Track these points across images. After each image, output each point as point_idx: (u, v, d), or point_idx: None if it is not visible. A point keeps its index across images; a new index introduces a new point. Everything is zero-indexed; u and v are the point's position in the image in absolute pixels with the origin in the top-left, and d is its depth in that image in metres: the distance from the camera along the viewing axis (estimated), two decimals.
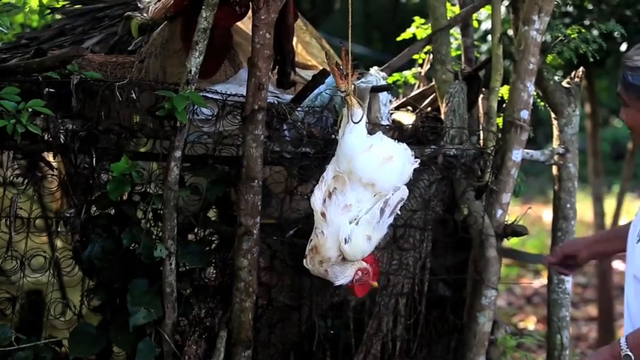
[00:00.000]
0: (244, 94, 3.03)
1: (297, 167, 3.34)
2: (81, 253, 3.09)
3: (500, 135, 3.72)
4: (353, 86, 2.87)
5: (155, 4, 3.61)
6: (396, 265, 3.62)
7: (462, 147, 3.69)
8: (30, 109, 2.79)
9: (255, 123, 2.99)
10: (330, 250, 2.78)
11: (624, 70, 2.34)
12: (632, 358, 2.32)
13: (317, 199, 2.79)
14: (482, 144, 3.81)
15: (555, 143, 4.04)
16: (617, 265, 7.95)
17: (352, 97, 2.83)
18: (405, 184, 2.87)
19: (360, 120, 2.82)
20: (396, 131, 3.73)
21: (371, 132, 3.52)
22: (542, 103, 4.17)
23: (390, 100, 3.89)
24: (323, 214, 2.77)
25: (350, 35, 2.92)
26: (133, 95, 3.00)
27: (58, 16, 4.20)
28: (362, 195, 2.79)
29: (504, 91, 3.96)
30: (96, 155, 3.07)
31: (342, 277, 2.83)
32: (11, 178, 3.10)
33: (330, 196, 2.77)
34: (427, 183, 3.67)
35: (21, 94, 2.82)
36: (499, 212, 3.67)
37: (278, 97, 3.42)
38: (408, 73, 4.75)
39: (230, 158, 3.24)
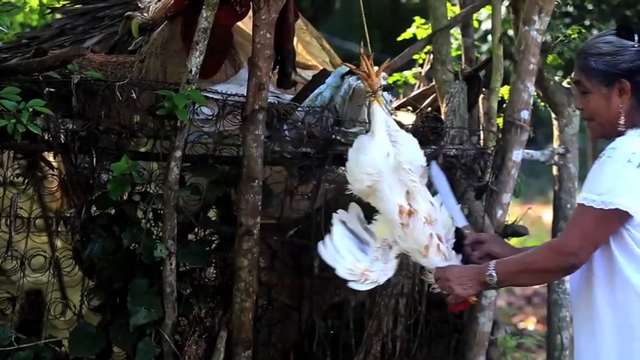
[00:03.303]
0: (245, 94, 3.03)
1: (297, 167, 3.33)
2: (81, 253, 3.08)
3: (500, 135, 3.72)
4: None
5: (155, 3, 3.61)
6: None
7: (463, 147, 3.69)
8: (30, 109, 2.78)
9: (255, 123, 2.99)
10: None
11: (586, 57, 2.39)
12: (495, 279, 2.40)
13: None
14: (482, 144, 3.81)
15: (556, 143, 4.04)
16: None
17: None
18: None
19: None
20: None
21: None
22: (543, 103, 4.18)
23: (391, 100, 3.88)
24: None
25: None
26: (134, 95, 2.99)
27: (58, 16, 4.20)
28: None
29: (504, 91, 3.96)
30: (96, 155, 3.07)
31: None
32: (11, 177, 3.09)
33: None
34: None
35: (21, 93, 2.81)
36: (499, 212, 3.67)
37: (278, 97, 3.42)
38: (408, 73, 4.76)
39: (230, 158, 3.23)
